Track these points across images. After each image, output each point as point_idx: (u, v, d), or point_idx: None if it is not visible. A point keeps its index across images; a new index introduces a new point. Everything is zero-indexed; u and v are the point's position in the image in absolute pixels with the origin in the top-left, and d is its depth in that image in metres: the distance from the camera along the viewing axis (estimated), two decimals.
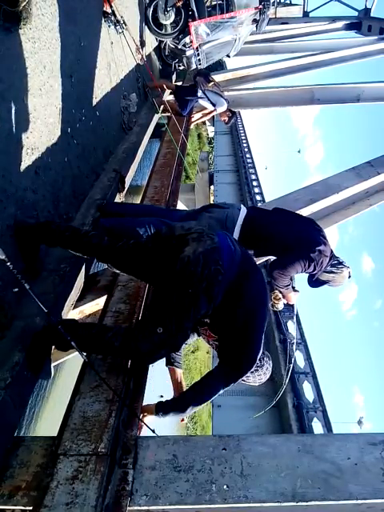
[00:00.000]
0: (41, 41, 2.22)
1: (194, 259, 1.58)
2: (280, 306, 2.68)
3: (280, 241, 2.43)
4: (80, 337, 1.62)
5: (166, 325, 1.57)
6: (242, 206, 2.56)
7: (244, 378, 1.77)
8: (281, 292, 2.54)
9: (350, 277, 2.54)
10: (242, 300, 1.68)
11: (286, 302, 2.65)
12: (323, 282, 2.57)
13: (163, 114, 5.06)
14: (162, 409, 1.70)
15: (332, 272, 2.47)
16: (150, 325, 1.60)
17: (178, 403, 1.73)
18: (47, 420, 5.94)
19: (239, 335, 1.69)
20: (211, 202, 12.50)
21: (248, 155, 12.01)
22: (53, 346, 1.73)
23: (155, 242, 1.78)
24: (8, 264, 1.56)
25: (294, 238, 2.41)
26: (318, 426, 4.16)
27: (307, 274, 2.57)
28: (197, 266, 1.56)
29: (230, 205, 2.60)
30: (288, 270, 2.39)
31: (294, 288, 2.55)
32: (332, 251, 2.46)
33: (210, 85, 5.35)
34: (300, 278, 2.75)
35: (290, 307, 2.75)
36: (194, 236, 1.69)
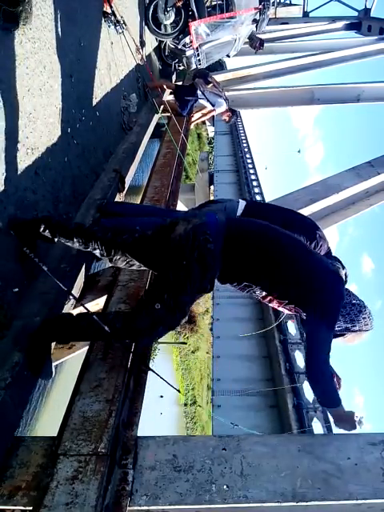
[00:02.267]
0: (41, 41, 2.22)
1: (184, 235, 1.69)
2: None
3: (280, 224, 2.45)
4: (81, 327, 1.66)
5: (163, 300, 1.62)
6: (240, 200, 2.59)
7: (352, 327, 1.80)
8: None
9: (346, 281, 2.47)
10: (253, 244, 1.72)
11: None
12: None
13: (163, 114, 5.07)
14: None
15: None
16: (148, 302, 1.65)
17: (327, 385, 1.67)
18: (47, 420, 5.94)
19: (290, 269, 1.70)
20: None
21: (248, 155, 12.00)
22: (53, 344, 1.73)
23: (156, 233, 1.86)
24: (24, 249, 1.59)
25: (293, 223, 2.42)
26: (318, 426, 4.16)
27: None
28: (188, 240, 1.66)
29: (228, 199, 2.65)
30: None
31: None
32: (329, 247, 2.46)
33: (210, 86, 5.36)
34: None
35: None
36: (184, 218, 1.82)
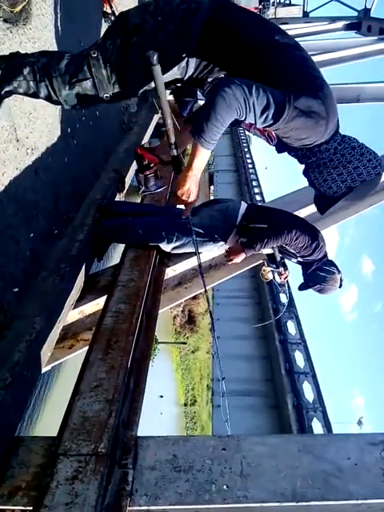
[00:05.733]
0: (41, 41, 2.22)
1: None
2: (269, 276, 2.70)
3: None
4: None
5: (102, 46, 1.54)
6: (242, 201, 2.61)
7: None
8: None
9: (341, 285, 2.44)
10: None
11: (278, 276, 2.67)
12: (312, 283, 2.46)
13: None
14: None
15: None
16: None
17: None
18: (47, 420, 5.94)
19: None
20: None
21: (248, 155, 12.03)
22: None
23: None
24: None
25: (296, 224, 2.43)
26: (318, 426, 4.17)
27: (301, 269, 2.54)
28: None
29: (230, 199, 2.66)
30: (295, 234, 2.33)
31: (284, 265, 2.55)
32: (325, 251, 2.46)
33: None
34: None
35: (282, 285, 2.79)
36: None
